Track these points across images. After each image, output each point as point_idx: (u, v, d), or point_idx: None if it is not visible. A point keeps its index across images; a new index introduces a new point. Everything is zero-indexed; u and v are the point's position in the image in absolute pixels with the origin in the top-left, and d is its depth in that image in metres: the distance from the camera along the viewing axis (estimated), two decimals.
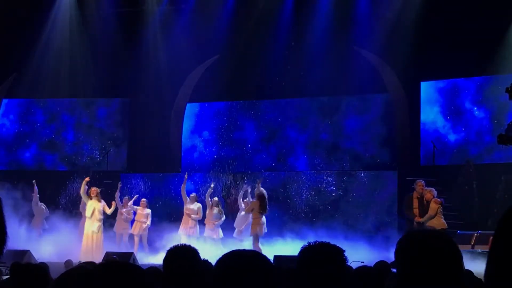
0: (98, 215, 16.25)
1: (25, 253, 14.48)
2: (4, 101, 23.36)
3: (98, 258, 13.61)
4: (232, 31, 21.05)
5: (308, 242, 3.12)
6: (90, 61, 22.08)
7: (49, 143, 23.22)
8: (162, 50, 21.90)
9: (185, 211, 17.31)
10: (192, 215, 17.15)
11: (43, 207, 18.60)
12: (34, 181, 18.31)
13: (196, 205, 17.42)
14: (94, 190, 16.62)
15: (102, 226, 16.60)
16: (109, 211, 16.69)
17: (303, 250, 3.05)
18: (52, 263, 10.63)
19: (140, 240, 17.88)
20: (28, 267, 4.39)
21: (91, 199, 16.48)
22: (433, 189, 14.52)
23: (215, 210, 17.24)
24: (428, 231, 2.49)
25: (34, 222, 18.33)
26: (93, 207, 16.31)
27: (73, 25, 22.43)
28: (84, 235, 16.24)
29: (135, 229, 17.80)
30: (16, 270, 4.40)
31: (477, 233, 14.36)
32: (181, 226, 17.30)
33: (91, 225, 16.20)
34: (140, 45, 21.85)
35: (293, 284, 3.03)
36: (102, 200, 16.65)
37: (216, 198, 17.58)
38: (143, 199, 18.29)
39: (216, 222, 17.22)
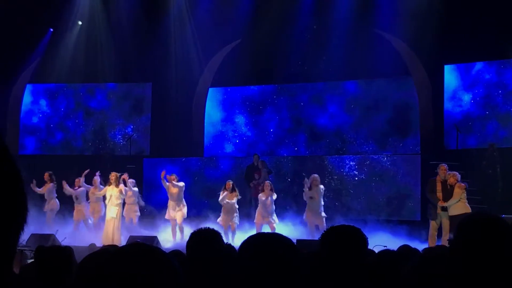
0: (115, 201, 16.07)
1: (49, 237, 14.61)
2: (28, 86, 23.54)
3: (117, 243, 13.62)
4: (254, 15, 20.99)
5: (330, 226, 3.16)
6: (113, 46, 22.17)
7: (73, 128, 23.39)
8: (184, 34, 21.92)
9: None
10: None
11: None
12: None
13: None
14: (113, 175, 16.42)
15: (121, 210, 16.35)
16: (123, 195, 16.35)
17: (325, 233, 3.08)
18: (76, 247, 10.72)
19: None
20: (52, 251, 4.42)
21: (110, 185, 16.36)
22: (457, 173, 14.43)
23: (228, 193, 16.66)
24: (489, 214, 2.47)
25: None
26: (110, 193, 16.18)
27: (96, 10, 22.51)
28: (106, 221, 16.18)
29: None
30: (40, 254, 4.44)
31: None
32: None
33: (109, 211, 16.10)
34: (162, 29, 21.89)
35: (315, 267, 3.04)
36: (121, 185, 16.39)
37: (230, 182, 17.05)
38: (173, 174, 17.45)
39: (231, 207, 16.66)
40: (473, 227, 2.36)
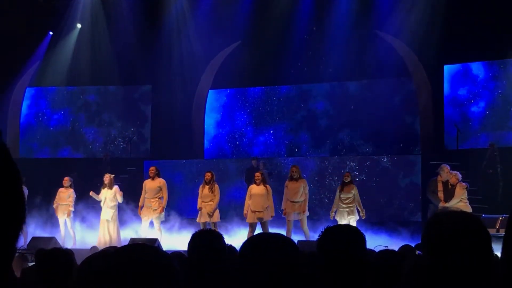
0: (110, 203, 15.81)
1: (50, 240, 14.57)
2: (28, 89, 23.55)
3: (116, 245, 13.51)
4: (254, 17, 21.00)
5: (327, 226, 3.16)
6: (112, 49, 22.16)
7: (74, 131, 23.40)
8: (184, 37, 21.92)
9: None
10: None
11: None
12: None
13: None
14: (108, 177, 16.09)
15: (117, 213, 16.06)
16: (120, 199, 16.00)
17: (322, 233, 3.08)
18: (78, 250, 10.72)
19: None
20: (53, 253, 4.42)
21: (104, 187, 16.09)
22: (458, 173, 14.37)
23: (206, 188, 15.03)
24: (457, 212, 2.38)
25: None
26: (105, 196, 15.94)
27: (96, 13, 22.51)
28: (100, 223, 15.93)
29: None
30: (41, 257, 4.44)
31: (502, 217, 14.24)
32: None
33: (105, 213, 15.86)
34: (162, 32, 21.89)
35: (315, 267, 3.03)
36: (116, 186, 15.92)
37: (208, 173, 15.26)
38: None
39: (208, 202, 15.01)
40: (436, 227, 2.29)
